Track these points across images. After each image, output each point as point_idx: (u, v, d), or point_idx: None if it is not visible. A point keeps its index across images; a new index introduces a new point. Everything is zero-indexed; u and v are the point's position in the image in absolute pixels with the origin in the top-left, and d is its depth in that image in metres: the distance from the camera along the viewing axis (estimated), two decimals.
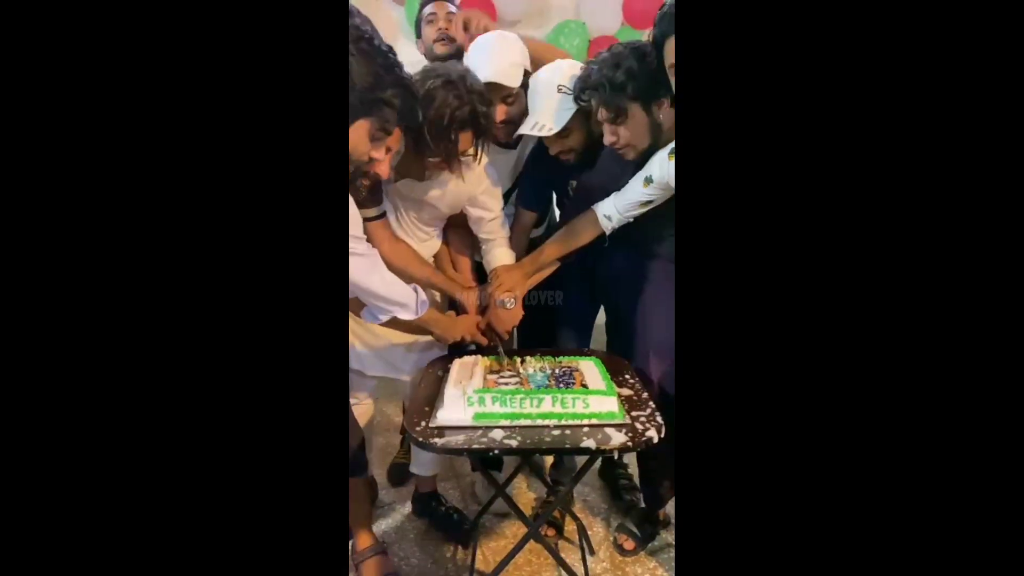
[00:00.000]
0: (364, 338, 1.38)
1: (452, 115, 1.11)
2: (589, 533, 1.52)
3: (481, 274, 1.49)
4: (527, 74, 1.37)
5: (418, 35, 1.66)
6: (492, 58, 1.33)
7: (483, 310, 1.40)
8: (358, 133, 0.94)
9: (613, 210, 1.28)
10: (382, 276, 1.17)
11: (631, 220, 1.29)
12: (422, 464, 1.54)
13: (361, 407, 1.45)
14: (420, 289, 1.25)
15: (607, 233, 1.32)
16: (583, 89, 1.20)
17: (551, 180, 1.45)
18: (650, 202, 1.24)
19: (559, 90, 1.25)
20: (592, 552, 1.47)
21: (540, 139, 1.37)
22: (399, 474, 1.74)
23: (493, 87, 1.27)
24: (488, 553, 1.46)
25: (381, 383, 1.49)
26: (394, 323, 1.23)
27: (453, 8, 1.61)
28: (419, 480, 1.58)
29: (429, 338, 1.38)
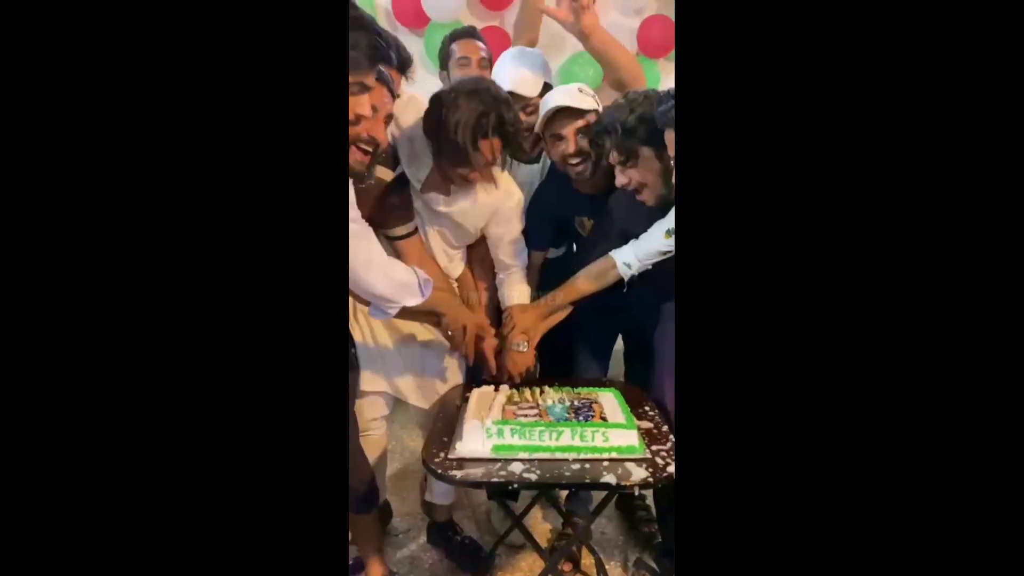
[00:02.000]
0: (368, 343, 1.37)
1: (478, 121, 1.13)
2: (607, 567, 1.49)
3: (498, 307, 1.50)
4: (547, 87, 1.42)
5: (442, 67, 1.67)
6: (513, 69, 1.40)
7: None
8: None
9: (633, 258, 1.29)
10: (381, 266, 1.08)
11: (650, 267, 1.30)
12: (439, 494, 1.53)
13: (372, 437, 1.43)
14: (419, 269, 1.17)
15: (625, 280, 1.32)
16: (597, 132, 1.24)
17: (560, 216, 1.47)
18: (669, 252, 1.24)
19: (580, 91, 1.32)
20: None
21: (549, 176, 1.42)
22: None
23: (513, 97, 1.31)
24: None
25: (396, 410, 1.49)
26: (402, 313, 1.16)
27: (484, 52, 1.61)
28: (435, 509, 1.56)
29: (426, 336, 1.36)
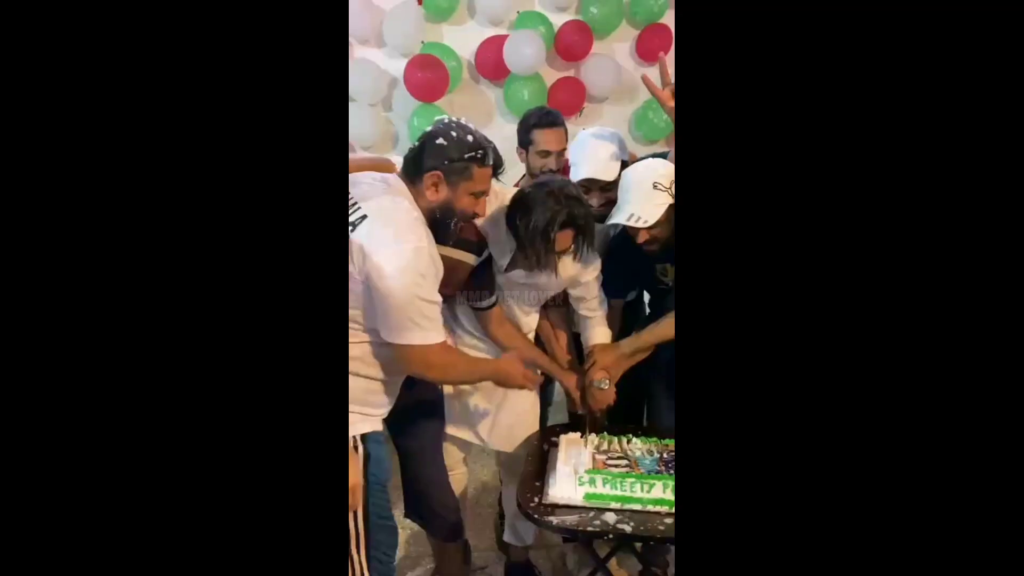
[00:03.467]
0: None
1: (551, 219, 1.21)
2: None
3: (578, 347, 1.56)
4: (624, 164, 1.48)
5: (521, 145, 1.66)
6: (592, 153, 1.48)
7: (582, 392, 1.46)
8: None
9: None
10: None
11: None
12: (518, 535, 1.58)
13: (456, 474, 1.51)
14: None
15: None
16: None
17: (636, 269, 1.51)
18: None
19: (655, 187, 1.33)
20: None
21: (624, 228, 1.46)
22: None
23: (592, 181, 1.42)
24: None
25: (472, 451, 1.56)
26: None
27: (564, 142, 1.62)
28: (513, 550, 1.61)
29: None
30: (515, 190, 1.35)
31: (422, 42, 2.43)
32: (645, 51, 2.59)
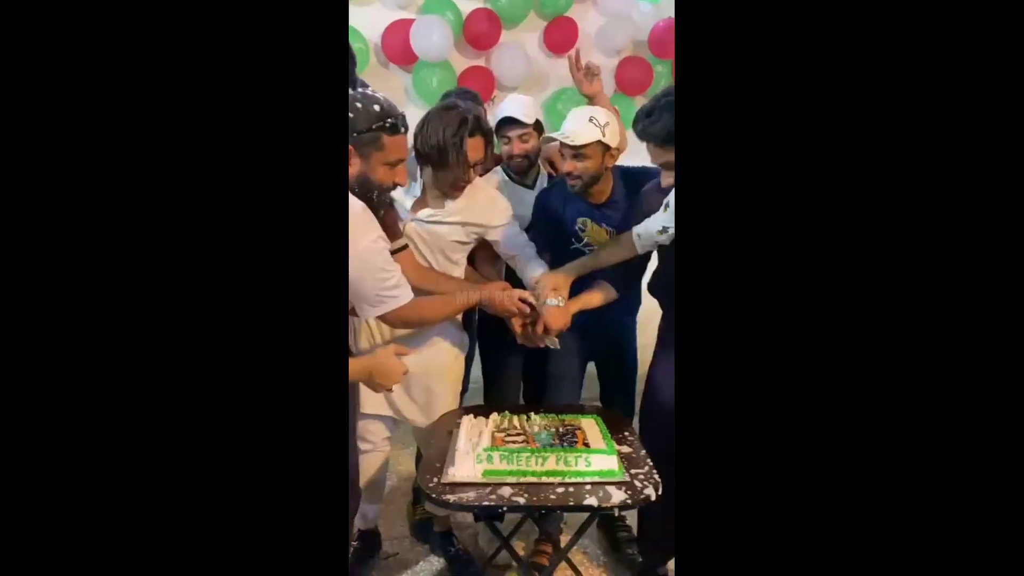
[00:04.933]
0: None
1: (459, 126, 1.30)
2: None
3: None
4: (539, 124, 1.66)
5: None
6: (511, 103, 1.66)
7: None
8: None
9: (643, 230, 1.42)
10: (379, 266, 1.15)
11: (651, 249, 1.45)
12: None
13: (377, 453, 1.52)
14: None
15: (638, 250, 1.44)
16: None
17: (559, 226, 1.60)
18: (664, 237, 1.37)
19: (590, 120, 1.48)
20: None
21: (546, 190, 1.63)
22: (424, 530, 1.78)
23: (510, 121, 1.61)
24: None
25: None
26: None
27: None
28: (436, 519, 1.66)
29: (426, 358, 1.44)
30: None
31: None
32: (553, 43, 2.64)
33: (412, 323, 1.32)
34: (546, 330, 1.43)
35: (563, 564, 1.47)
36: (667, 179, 1.31)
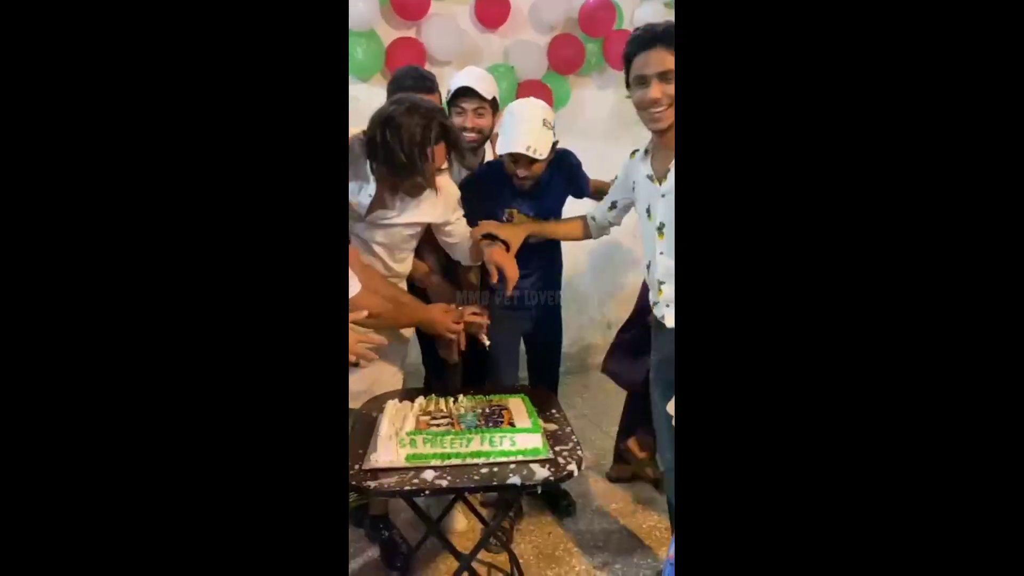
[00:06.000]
0: None
1: (424, 133, 1.21)
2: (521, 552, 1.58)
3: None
4: (495, 103, 1.61)
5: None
6: (469, 73, 1.60)
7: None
8: None
9: (596, 212, 1.51)
10: None
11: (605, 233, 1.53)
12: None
13: None
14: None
15: (593, 236, 1.56)
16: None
17: (490, 209, 1.59)
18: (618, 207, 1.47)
19: (544, 123, 1.46)
20: None
21: (483, 170, 1.63)
22: (359, 517, 1.75)
23: (467, 91, 1.55)
24: None
25: None
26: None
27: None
28: (372, 503, 1.63)
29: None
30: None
31: None
32: (485, 17, 2.58)
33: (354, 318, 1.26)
34: (478, 330, 1.50)
35: (561, 546, 1.46)
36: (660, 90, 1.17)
